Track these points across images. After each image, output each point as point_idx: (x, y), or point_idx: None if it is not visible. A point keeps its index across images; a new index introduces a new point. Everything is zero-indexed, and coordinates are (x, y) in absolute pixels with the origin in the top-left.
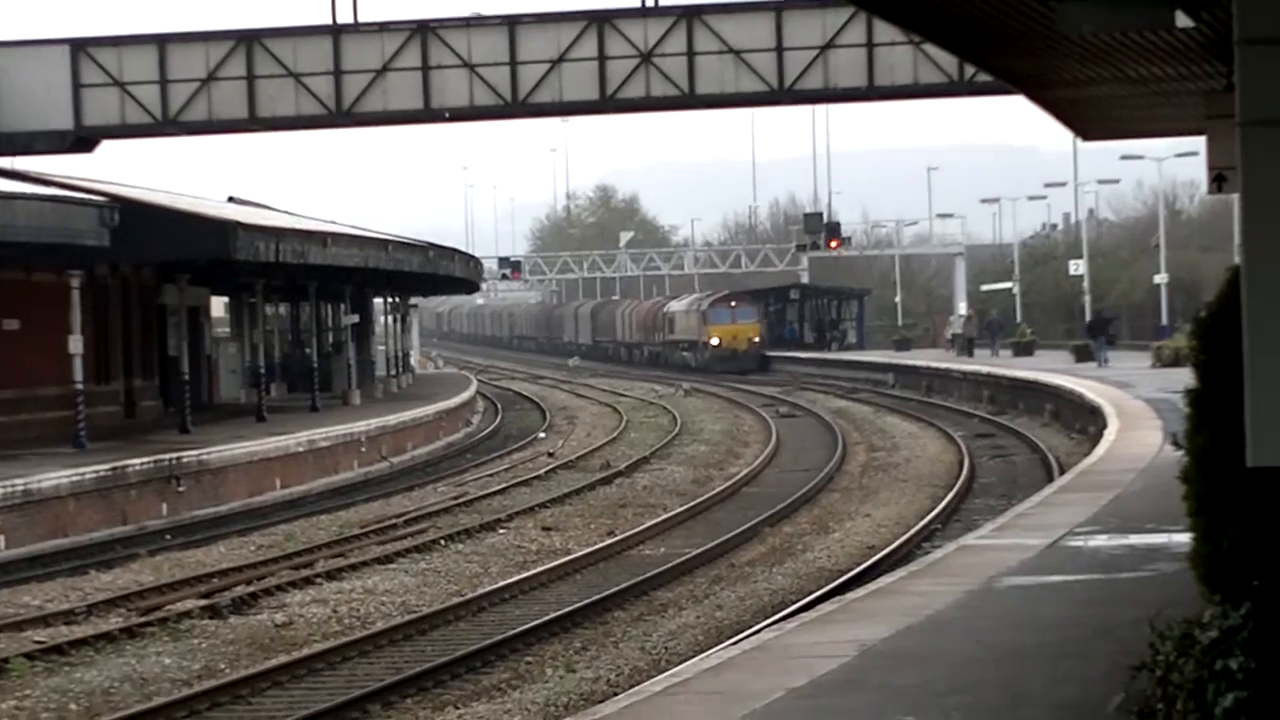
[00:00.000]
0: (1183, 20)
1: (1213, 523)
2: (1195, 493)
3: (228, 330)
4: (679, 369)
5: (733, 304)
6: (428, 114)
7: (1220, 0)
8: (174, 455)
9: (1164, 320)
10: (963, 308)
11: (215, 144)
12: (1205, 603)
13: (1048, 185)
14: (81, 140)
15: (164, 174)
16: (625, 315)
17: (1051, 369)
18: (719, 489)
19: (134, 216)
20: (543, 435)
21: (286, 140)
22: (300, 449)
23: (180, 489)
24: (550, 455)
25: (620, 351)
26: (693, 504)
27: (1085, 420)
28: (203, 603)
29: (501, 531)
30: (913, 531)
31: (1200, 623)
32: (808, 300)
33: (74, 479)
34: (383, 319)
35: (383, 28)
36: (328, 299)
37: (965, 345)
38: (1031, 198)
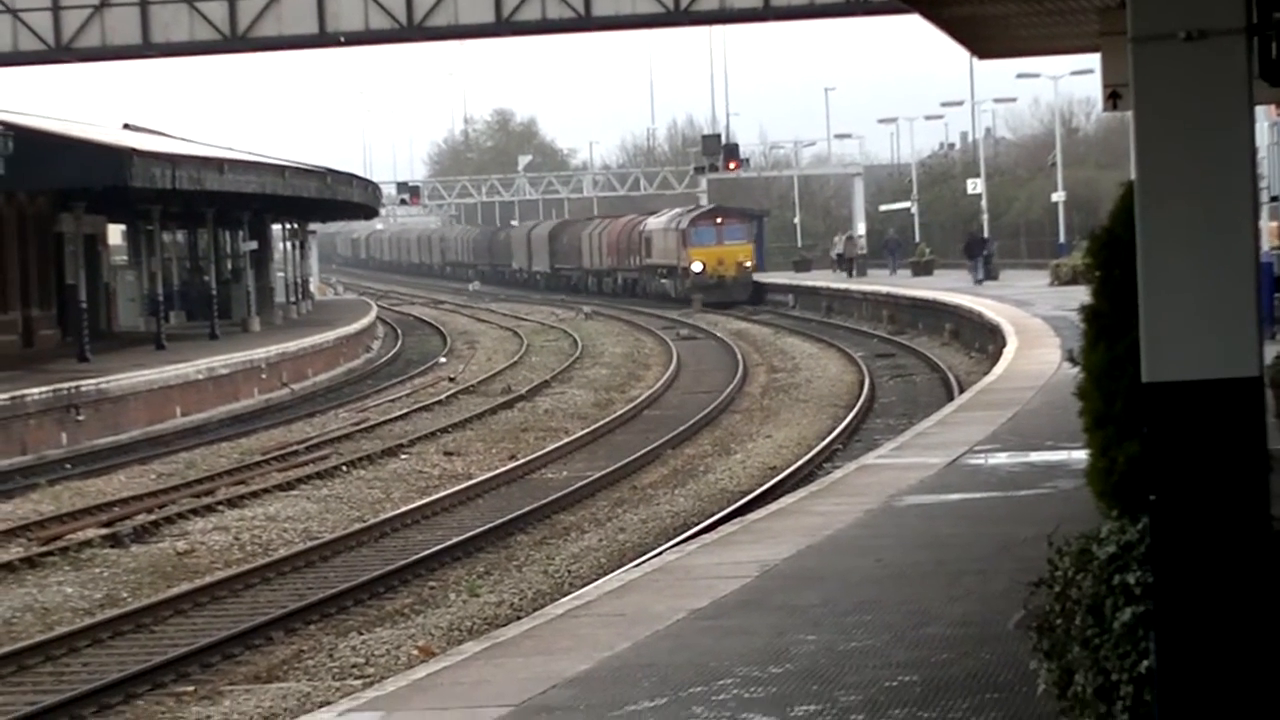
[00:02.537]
0: None
1: (1109, 439)
2: (1092, 409)
3: (125, 258)
4: (658, 299)
5: (718, 221)
6: (323, 38)
7: None
8: (73, 384)
9: (1061, 238)
10: (861, 228)
11: (109, 71)
12: (1103, 518)
13: (944, 104)
14: None
15: (58, 102)
16: (593, 237)
17: (950, 288)
18: (620, 412)
19: (28, 144)
20: (443, 360)
21: (182, 67)
22: (200, 377)
23: (79, 418)
24: (451, 380)
25: (588, 280)
26: (594, 427)
27: (984, 339)
28: (104, 532)
29: (403, 457)
30: (814, 452)
31: (1098, 538)
32: None
33: None
34: (282, 245)
35: None
36: (226, 226)
37: (847, 266)
38: (929, 117)
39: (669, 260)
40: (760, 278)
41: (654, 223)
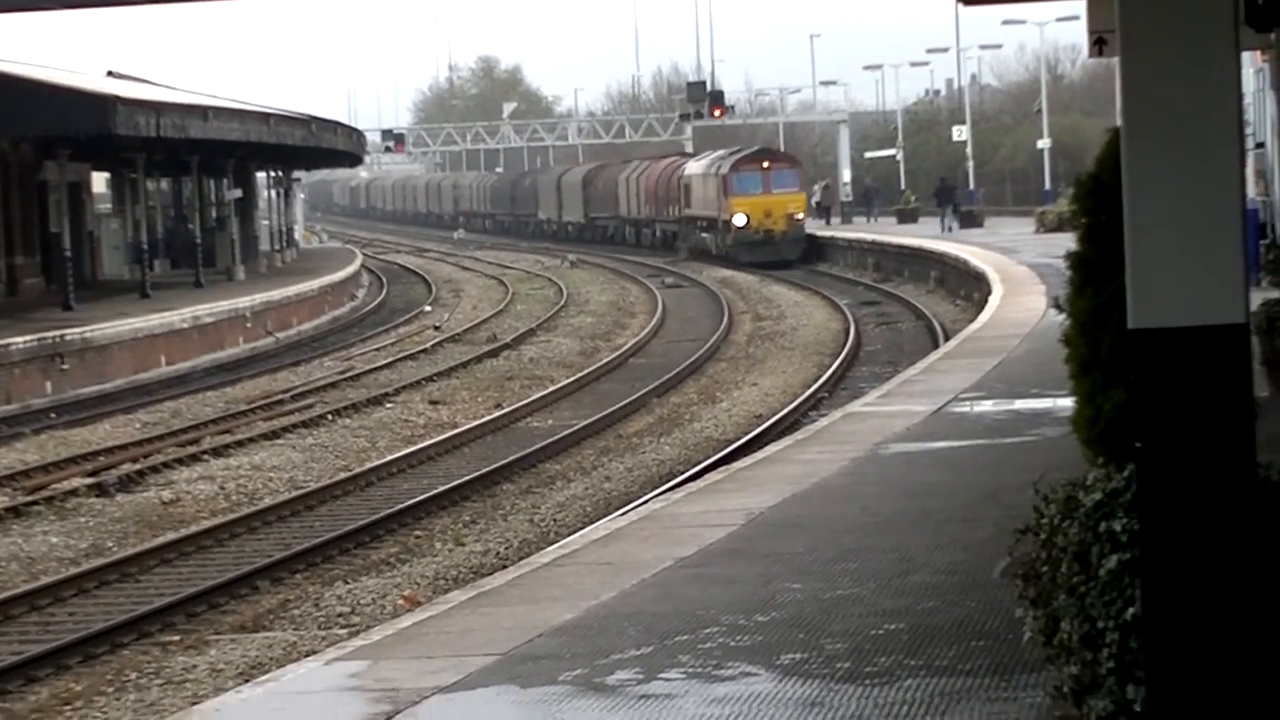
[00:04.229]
0: None
1: (1095, 386)
2: (1077, 356)
3: (110, 206)
4: (701, 256)
5: (765, 165)
6: None
7: None
8: (57, 333)
9: (1047, 185)
10: (847, 175)
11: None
12: (1089, 466)
13: (930, 51)
14: None
15: (41, 50)
16: (630, 182)
17: (935, 235)
18: (606, 360)
19: (11, 91)
20: (428, 309)
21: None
22: (185, 325)
23: (64, 367)
24: (436, 329)
25: (625, 231)
26: (580, 376)
27: (970, 287)
28: (89, 481)
29: (388, 406)
30: (799, 400)
31: (1084, 486)
32: None
33: None
34: (266, 193)
35: None
36: (210, 174)
37: (825, 213)
38: (914, 64)
39: (709, 211)
40: None
41: (694, 167)
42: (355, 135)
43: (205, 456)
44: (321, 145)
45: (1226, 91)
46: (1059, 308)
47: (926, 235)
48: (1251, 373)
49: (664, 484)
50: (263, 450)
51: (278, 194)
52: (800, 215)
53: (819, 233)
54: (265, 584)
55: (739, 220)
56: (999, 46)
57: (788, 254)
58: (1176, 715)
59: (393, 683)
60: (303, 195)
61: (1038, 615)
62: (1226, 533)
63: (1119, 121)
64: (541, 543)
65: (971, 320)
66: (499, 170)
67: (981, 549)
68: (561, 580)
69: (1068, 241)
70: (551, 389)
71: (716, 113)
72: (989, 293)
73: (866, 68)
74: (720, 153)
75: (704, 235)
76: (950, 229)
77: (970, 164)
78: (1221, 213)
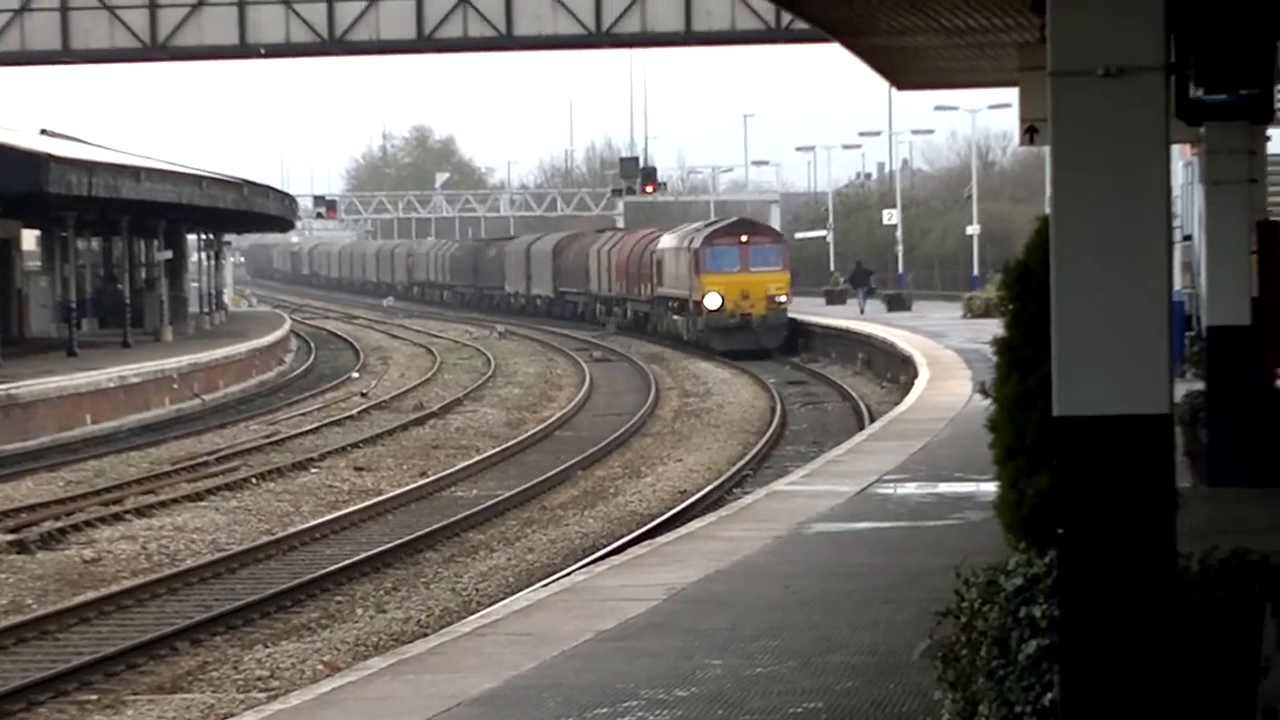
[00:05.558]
0: None
1: (1019, 471)
2: (1002, 441)
3: (39, 264)
4: (672, 340)
5: (743, 238)
6: (243, 49)
7: None
8: None
9: (975, 271)
10: None
11: (28, 76)
12: (1010, 551)
13: (862, 134)
14: None
15: None
16: (602, 256)
17: (855, 317)
18: (532, 431)
19: None
20: (356, 375)
21: (101, 74)
22: (111, 385)
23: None
24: (363, 395)
25: (596, 308)
26: (505, 446)
27: (897, 369)
28: (10, 538)
29: (313, 470)
30: (724, 477)
31: (1005, 570)
32: None
33: None
34: (197, 256)
35: None
36: (141, 234)
37: None
38: (846, 147)
39: (681, 290)
40: None
41: (667, 240)
42: (287, 200)
43: (128, 516)
44: (253, 209)
45: (1156, 184)
46: (985, 393)
47: (853, 316)
48: (1174, 463)
49: (587, 557)
50: (186, 511)
51: (208, 256)
52: (783, 298)
53: None
54: (185, 645)
55: (711, 302)
56: (931, 132)
57: (767, 342)
58: None
59: None
60: (241, 259)
61: (956, 698)
62: (1146, 622)
63: (1048, 210)
64: (463, 611)
65: (898, 403)
66: (462, 239)
67: (902, 630)
68: (482, 650)
69: (995, 327)
70: (477, 459)
71: (649, 189)
72: (915, 376)
73: (799, 149)
74: (695, 225)
75: (675, 318)
76: (863, 310)
77: (900, 247)
78: (1148, 304)
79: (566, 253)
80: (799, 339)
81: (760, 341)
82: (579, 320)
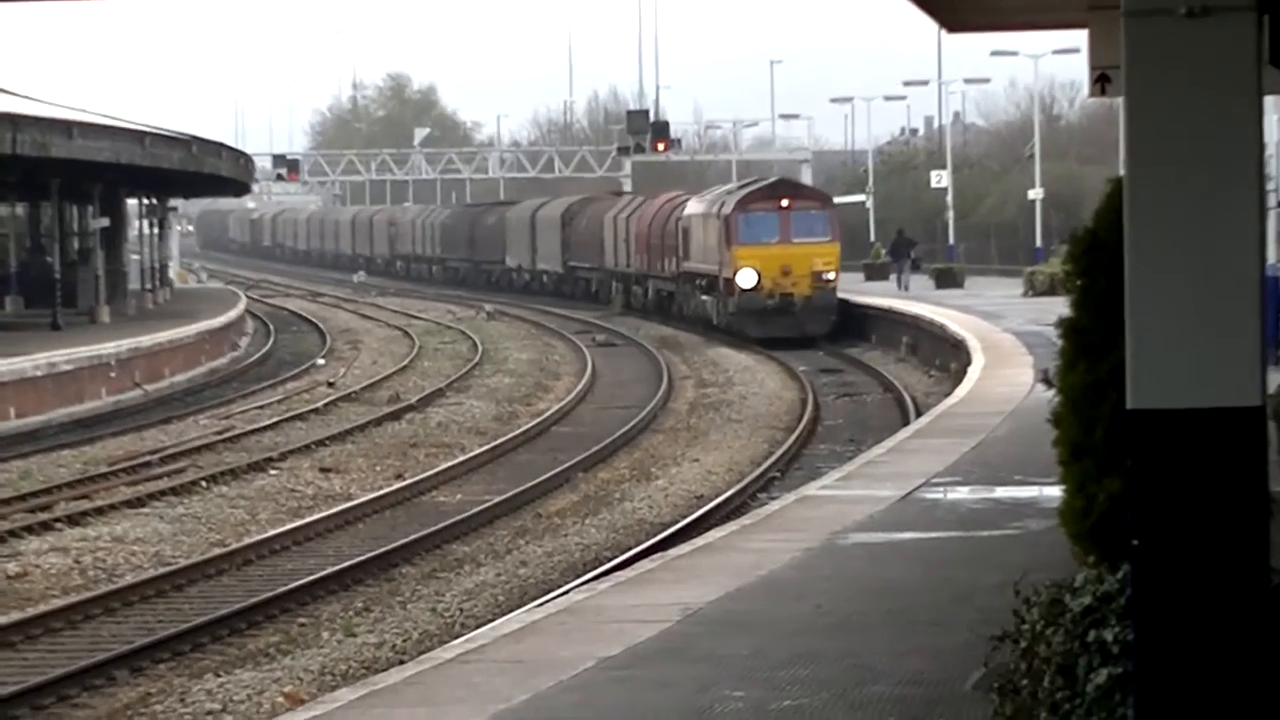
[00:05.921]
0: None
1: (1087, 473)
2: (1069, 439)
3: None
4: (700, 324)
5: (784, 203)
6: None
7: None
8: None
9: (1038, 242)
10: None
11: None
12: (1078, 565)
13: (907, 84)
14: None
15: None
16: (619, 225)
17: (895, 294)
18: (525, 427)
19: None
20: (321, 362)
21: (29, 15)
22: (38, 373)
23: None
24: (330, 385)
25: (612, 286)
26: (494, 444)
27: (947, 355)
28: None
29: (273, 472)
30: (747, 480)
31: (1071, 588)
32: None
33: None
34: (138, 224)
35: None
36: (73, 199)
37: None
38: (889, 98)
39: (710, 266)
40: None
41: (695, 206)
42: (243, 160)
43: (58, 525)
44: (203, 170)
45: (1247, 141)
46: (1048, 383)
47: (896, 294)
48: (1267, 463)
49: (588, 572)
50: (125, 520)
51: (151, 225)
52: (831, 275)
53: None
54: (124, 674)
55: (745, 279)
56: (987, 81)
57: (812, 328)
58: None
59: None
60: (190, 228)
61: None
62: (1234, 645)
63: (1122, 171)
64: (445, 636)
65: (947, 394)
66: (452, 205)
67: (952, 657)
68: (467, 679)
69: (1060, 307)
70: (461, 459)
71: (660, 147)
72: (968, 363)
73: (834, 100)
74: (729, 186)
75: (704, 298)
76: (907, 287)
77: (950, 214)
78: (1237, 279)
79: (577, 221)
80: (849, 324)
81: (804, 328)
82: (592, 300)
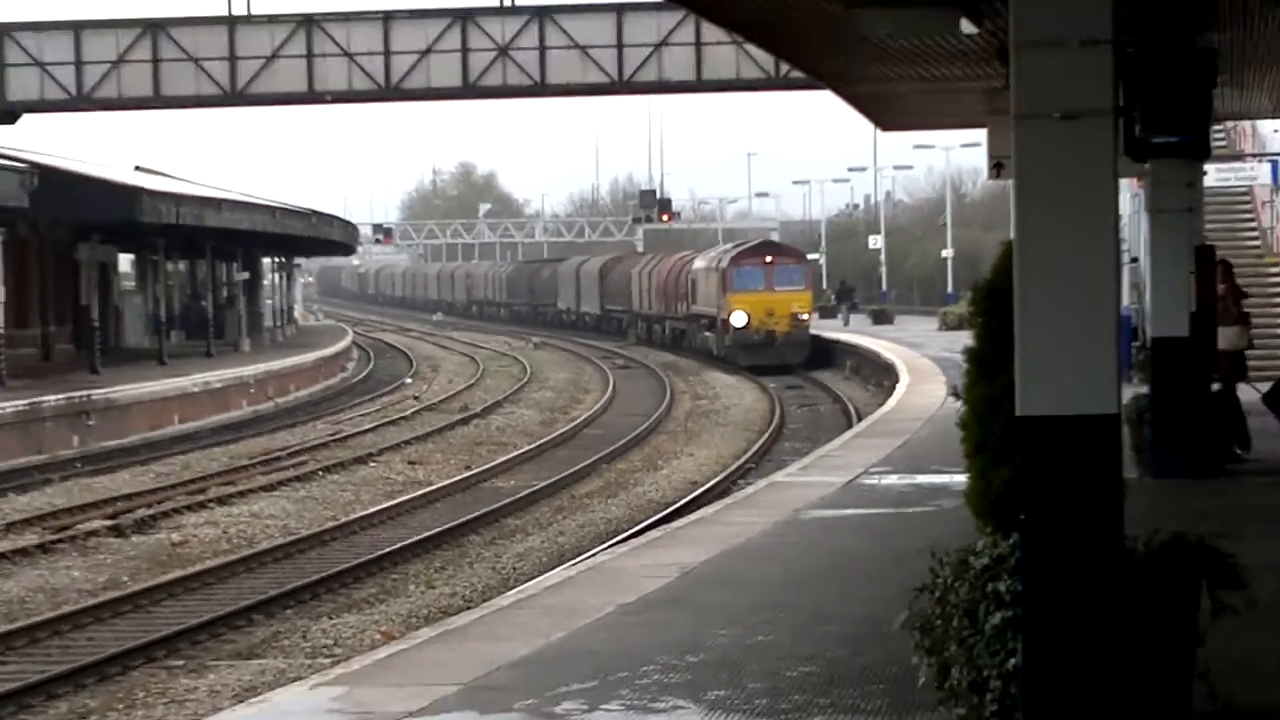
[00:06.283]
0: (967, 27)
1: (987, 464)
2: (972, 439)
3: (133, 284)
4: (703, 355)
5: (767, 259)
6: (311, 96)
7: (998, 9)
8: (84, 393)
9: (950, 289)
10: None
11: (124, 119)
12: (979, 534)
13: (851, 170)
14: (6, 114)
15: (79, 145)
16: (642, 277)
17: (853, 330)
18: (562, 430)
19: (52, 181)
20: (409, 381)
21: (187, 117)
22: (196, 389)
23: (89, 423)
24: (416, 398)
25: (638, 325)
26: (539, 443)
27: (881, 375)
28: (108, 523)
29: (372, 465)
30: (730, 470)
31: (974, 551)
32: None
33: None
34: (270, 276)
35: (272, 19)
36: (222, 257)
37: None
38: (836, 180)
39: (710, 309)
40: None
41: (699, 262)
42: (349, 228)
43: (210, 504)
44: (320, 235)
45: (1106, 213)
46: (957, 396)
47: (840, 329)
48: (1121, 457)
49: (610, 540)
50: (261, 500)
51: (280, 277)
52: (805, 315)
53: None
54: (260, 617)
55: (737, 319)
56: (910, 168)
57: (790, 358)
58: None
59: (368, 707)
60: (311, 279)
61: (931, 663)
62: (1098, 597)
63: (1012, 236)
64: (502, 588)
65: (881, 404)
66: (517, 260)
67: (885, 604)
68: (519, 621)
69: (966, 339)
70: (514, 454)
71: (664, 218)
72: (897, 381)
73: (795, 182)
74: (725, 246)
75: (706, 334)
76: (847, 322)
77: (883, 269)
78: (1099, 318)
79: (612, 274)
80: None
81: (784, 357)
82: (622, 335)
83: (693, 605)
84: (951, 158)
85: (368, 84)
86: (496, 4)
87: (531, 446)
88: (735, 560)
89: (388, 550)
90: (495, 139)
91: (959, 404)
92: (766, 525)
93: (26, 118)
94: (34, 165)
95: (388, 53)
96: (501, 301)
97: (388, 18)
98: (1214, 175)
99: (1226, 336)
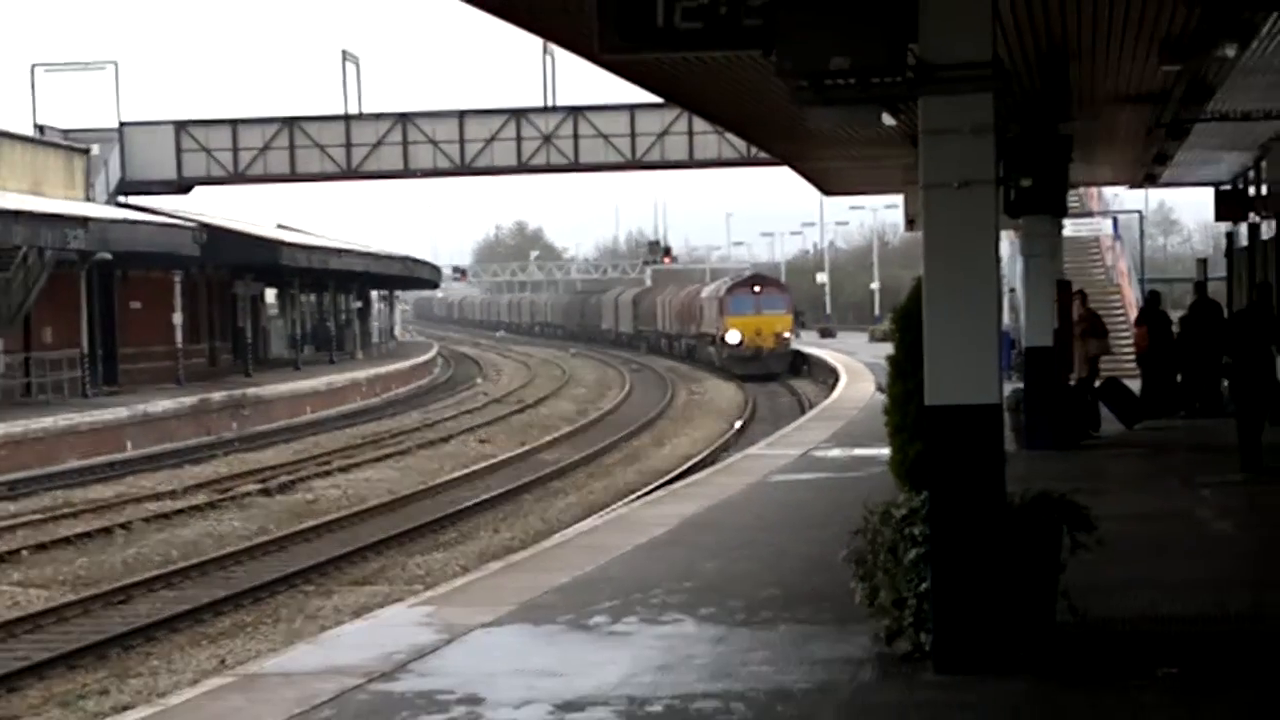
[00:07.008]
0: (888, 120)
1: (904, 441)
2: (893, 422)
3: (276, 310)
4: (708, 366)
5: (756, 289)
6: (406, 173)
7: (912, 106)
8: (240, 391)
9: (877, 312)
10: None
11: (269, 190)
12: (899, 492)
13: (804, 224)
14: (182, 187)
15: (236, 209)
16: (665, 304)
17: (807, 345)
18: (592, 416)
19: (216, 236)
20: (479, 381)
21: (316, 189)
22: (322, 388)
23: (244, 413)
24: (485, 394)
25: (661, 343)
26: (575, 426)
27: (827, 375)
28: (258, 487)
29: (452, 443)
30: (714, 446)
31: (896, 505)
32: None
33: (175, 405)
34: (377, 304)
35: (378, 116)
36: (341, 290)
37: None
38: (793, 232)
39: (712, 329)
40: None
41: (706, 291)
42: (434, 269)
43: (334, 472)
44: (412, 275)
45: (990, 256)
46: (882, 390)
47: (799, 345)
48: (1003, 435)
49: (628, 497)
50: (371, 469)
51: (385, 305)
52: (787, 334)
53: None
54: (371, 555)
55: (732, 337)
56: (847, 223)
57: (774, 368)
58: (952, 654)
59: (451, 620)
60: (408, 307)
61: (864, 587)
62: (986, 538)
63: (922, 273)
64: (549, 533)
65: (827, 397)
66: (570, 292)
67: (831, 544)
68: (561, 557)
69: (889, 349)
70: (557, 434)
71: (666, 260)
72: (838, 380)
73: (763, 234)
74: (725, 279)
75: (710, 349)
76: (798, 336)
77: (828, 297)
78: (985, 332)
79: (643, 302)
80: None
81: (769, 368)
82: (652, 350)
83: (688, 544)
84: (878, 215)
85: (447, 163)
86: (542, 105)
87: (569, 429)
88: (720, 512)
89: (464, 506)
90: (542, 202)
91: (883, 397)
92: (742, 486)
93: (197, 190)
94: (203, 224)
95: (462, 140)
96: (558, 324)
97: (462, 115)
98: (1070, 228)
99: (1096, 345)
